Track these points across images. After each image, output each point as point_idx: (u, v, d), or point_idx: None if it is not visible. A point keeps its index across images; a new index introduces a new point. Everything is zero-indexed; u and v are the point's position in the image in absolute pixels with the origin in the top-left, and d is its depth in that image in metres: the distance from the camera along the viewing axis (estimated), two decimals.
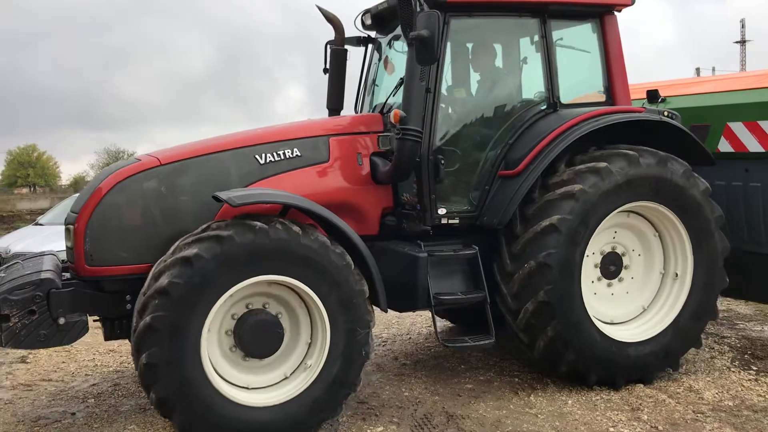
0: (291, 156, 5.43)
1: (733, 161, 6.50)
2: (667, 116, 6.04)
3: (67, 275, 5.13)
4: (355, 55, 6.89)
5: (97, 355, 7.27)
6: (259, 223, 4.56)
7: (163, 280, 4.36)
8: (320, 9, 6.48)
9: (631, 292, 6.02)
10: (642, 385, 5.81)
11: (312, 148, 5.52)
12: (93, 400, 5.89)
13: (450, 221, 5.68)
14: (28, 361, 7.09)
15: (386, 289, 5.60)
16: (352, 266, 4.79)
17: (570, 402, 5.56)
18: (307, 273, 4.66)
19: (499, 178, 5.72)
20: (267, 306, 4.82)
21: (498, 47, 6.08)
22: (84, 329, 4.78)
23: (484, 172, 5.77)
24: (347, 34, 6.58)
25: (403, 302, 5.58)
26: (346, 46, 6.60)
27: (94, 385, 6.30)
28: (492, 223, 5.63)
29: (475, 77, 6.13)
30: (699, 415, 5.26)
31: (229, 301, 4.64)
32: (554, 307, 5.42)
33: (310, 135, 5.58)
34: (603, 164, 5.48)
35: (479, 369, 6.44)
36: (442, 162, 5.51)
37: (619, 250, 5.97)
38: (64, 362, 7.07)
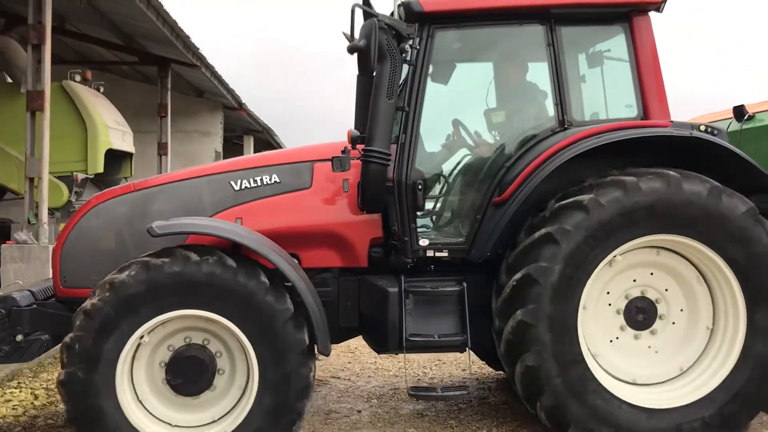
0: (269, 182, 5.21)
1: None
2: (705, 131, 4.89)
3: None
4: None
5: (378, 359, 7.55)
6: (155, 260, 4.37)
7: (69, 335, 4.32)
8: (345, 35, 6.28)
9: (667, 349, 4.93)
10: None
11: (293, 174, 5.25)
12: (376, 400, 6.17)
13: (437, 254, 5.09)
14: (319, 358, 7.81)
15: (364, 327, 5.19)
16: (267, 285, 4.39)
17: None
18: (215, 301, 4.36)
19: (492, 206, 5.03)
20: (207, 342, 4.58)
21: (499, 61, 5.42)
22: (43, 347, 4.90)
23: (478, 199, 5.11)
24: None
25: (377, 341, 5.10)
26: None
27: (376, 386, 6.63)
28: (475, 257, 4.96)
29: (471, 96, 5.51)
30: None
31: (149, 343, 4.47)
32: (548, 372, 4.59)
33: (293, 161, 5.33)
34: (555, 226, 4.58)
35: None
36: (420, 188, 4.97)
37: (651, 296, 4.94)
38: (350, 362, 7.55)
